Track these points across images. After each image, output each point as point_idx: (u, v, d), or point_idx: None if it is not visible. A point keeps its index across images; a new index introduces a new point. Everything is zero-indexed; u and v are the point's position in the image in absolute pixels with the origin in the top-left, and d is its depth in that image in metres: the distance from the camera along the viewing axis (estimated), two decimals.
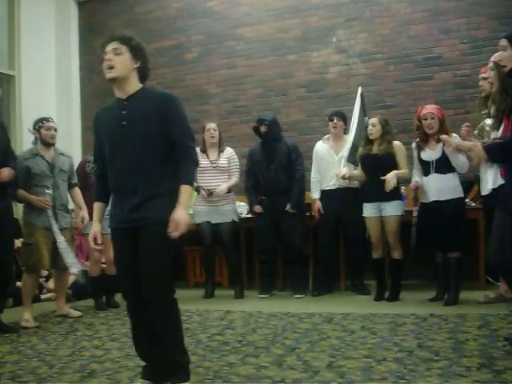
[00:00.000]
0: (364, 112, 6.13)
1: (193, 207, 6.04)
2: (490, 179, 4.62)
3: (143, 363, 3.04)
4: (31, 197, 4.97)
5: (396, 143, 5.44)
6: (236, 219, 6.14)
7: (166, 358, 2.87)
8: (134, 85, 2.93)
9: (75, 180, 5.41)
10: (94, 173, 3.15)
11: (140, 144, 2.83)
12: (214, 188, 5.96)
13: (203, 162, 5.93)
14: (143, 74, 2.97)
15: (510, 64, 3.18)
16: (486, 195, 4.75)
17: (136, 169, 2.84)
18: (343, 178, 5.69)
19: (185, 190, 2.82)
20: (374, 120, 5.48)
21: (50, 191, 5.06)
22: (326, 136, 6.15)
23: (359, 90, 6.15)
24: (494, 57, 4.05)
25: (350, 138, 5.86)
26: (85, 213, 5.29)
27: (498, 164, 4.02)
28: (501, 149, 3.27)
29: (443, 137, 4.70)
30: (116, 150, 2.88)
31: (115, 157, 2.89)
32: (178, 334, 2.95)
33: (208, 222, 6.04)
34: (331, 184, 5.95)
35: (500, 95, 3.76)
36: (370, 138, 5.45)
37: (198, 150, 6.01)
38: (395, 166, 5.32)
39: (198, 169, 5.79)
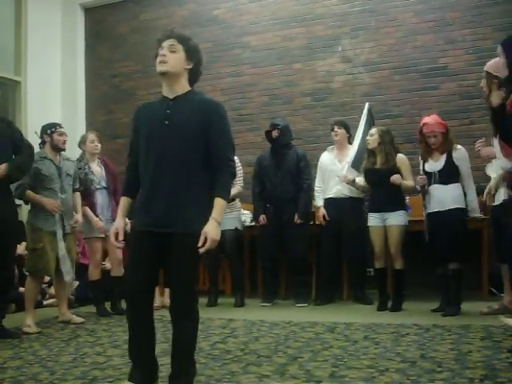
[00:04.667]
0: (370, 126, 6.16)
1: None
2: (502, 190, 4.59)
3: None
4: (42, 199, 4.96)
5: (399, 156, 5.45)
6: (239, 227, 6.14)
7: (175, 366, 2.84)
8: (184, 85, 2.90)
9: (77, 185, 5.42)
10: (126, 168, 3.05)
11: (179, 146, 2.77)
12: None
13: None
14: (194, 77, 2.95)
15: (503, 73, 3.18)
16: (496, 206, 4.73)
17: (171, 171, 2.77)
18: (345, 180, 5.74)
19: (219, 205, 2.74)
20: (372, 130, 5.50)
21: (64, 196, 5.10)
22: (331, 146, 6.19)
23: (366, 105, 6.19)
24: (487, 66, 4.08)
25: (355, 146, 5.89)
26: (79, 216, 5.33)
27: None
28: None
29: None
30: (153, 149, 2.81)
31: (151, 155, 2.81)
32: (193, 344, 2.91)
33: None
34: (333, 192, 5.98)
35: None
36: (369, 147, 5.47)
37: None
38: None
39: None
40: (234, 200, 6.05)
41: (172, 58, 2.83)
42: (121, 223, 2.94)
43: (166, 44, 2.85)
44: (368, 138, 5.49)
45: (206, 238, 2.67)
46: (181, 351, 2.86)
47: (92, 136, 5.78)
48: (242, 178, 6.16)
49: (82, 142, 5.83)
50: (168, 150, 2.78)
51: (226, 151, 2.83)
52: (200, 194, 2.79)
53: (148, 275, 2.83)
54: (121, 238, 2.93)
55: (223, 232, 5.87)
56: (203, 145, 2.79)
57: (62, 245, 5.02)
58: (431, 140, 5.12)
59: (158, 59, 2.84)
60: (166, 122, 2.81)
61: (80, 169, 5.60)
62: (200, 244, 2.66)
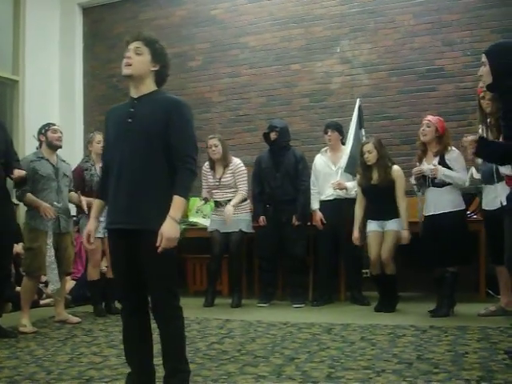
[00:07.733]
0: (360, 124, 6.16)
1: (210, 216, 6.24)
2: (503, 194, 4.54)
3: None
4: (39, 202, 4.94)
5: (395, 169, 5.43)
6: (244, 229, 6.09)
7: (167, 367, 2.83)
8: (149, 86, 2.92)
9: (71, 186, 5.43)
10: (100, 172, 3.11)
11: (141, 144, 2.79)
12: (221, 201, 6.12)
13: (211, 179, 6.15)
14: (160, 79, 2.98)
15: (487, 79, 3.28)
16: (491, 210, 4.72)
17: (132, 168, 2.79)
18: (339, 187, 5.77)
19: (176, 202, 2.72)
20: (369, 147, 5.44)
21: (60, 196, 5.09)
22: (324, 148, 6.20)
23: (357, 101, 6.20)
24: (481, 70, 4.10)
25: (348, 149, 5.92)
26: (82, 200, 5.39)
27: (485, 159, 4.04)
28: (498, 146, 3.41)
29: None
30: (117, 147, 2.85)
31: (115, 154, 2.85)
32: (182, 343, 2.89)
33: (218, 231, 6.06)
34: (329, 195, 5.98)
35: (494, 105, 3.81)
36: (368, 164, 5.44)
37: (206, 165, 6.15)
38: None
39: (209, 185, 6.10)
40: (244, 201, 6.13)
41: (137, 60, 2.86)
42: (92, 226, 2.98)
43: (132, 46, 2.89)
44: (366, 155, 5.43)
45: (162, 239, 2.66)
46: (170, 351, 2.85)
47: (99, 136, 5.76)
48: (245, 182, 6.16)
49: (89, 143, 5.83)
50: (130, 148, 2.81)
51: (186, 149, 2.82)
52: (162, 192, 2.79)
53: (130, 276, 2.84)
54: (92, 239, 2.97)
55: (230, 233, 5.98)
56: (165, 143, 2.81)
57: (51, 252, 4.96)
58: (425, 130, 5.09)
59: (124, 61, 2.88)
60: (129, 120, 2.85)
61: (86, 170, 5.62)
62: (158, 243, 2.66)
